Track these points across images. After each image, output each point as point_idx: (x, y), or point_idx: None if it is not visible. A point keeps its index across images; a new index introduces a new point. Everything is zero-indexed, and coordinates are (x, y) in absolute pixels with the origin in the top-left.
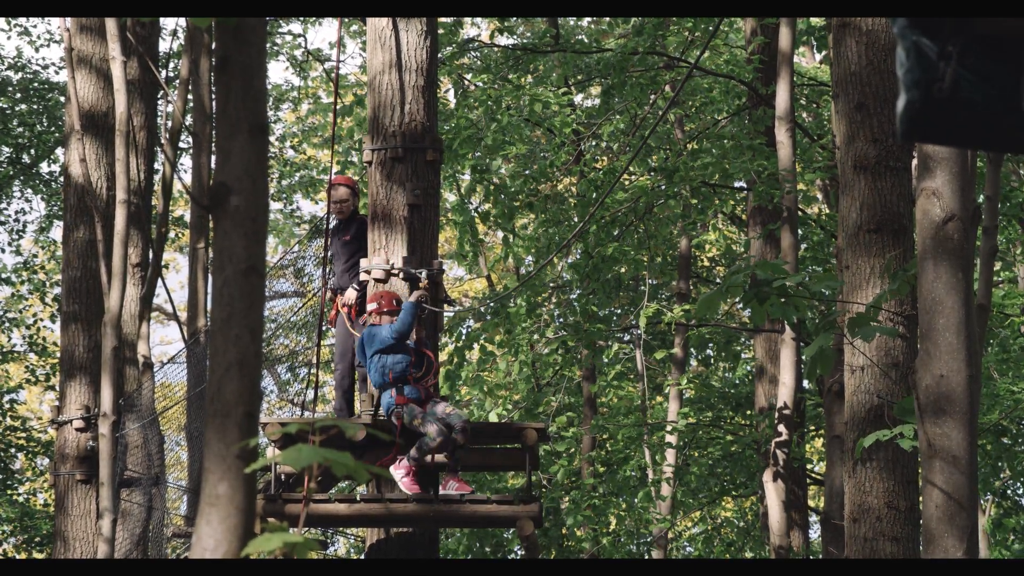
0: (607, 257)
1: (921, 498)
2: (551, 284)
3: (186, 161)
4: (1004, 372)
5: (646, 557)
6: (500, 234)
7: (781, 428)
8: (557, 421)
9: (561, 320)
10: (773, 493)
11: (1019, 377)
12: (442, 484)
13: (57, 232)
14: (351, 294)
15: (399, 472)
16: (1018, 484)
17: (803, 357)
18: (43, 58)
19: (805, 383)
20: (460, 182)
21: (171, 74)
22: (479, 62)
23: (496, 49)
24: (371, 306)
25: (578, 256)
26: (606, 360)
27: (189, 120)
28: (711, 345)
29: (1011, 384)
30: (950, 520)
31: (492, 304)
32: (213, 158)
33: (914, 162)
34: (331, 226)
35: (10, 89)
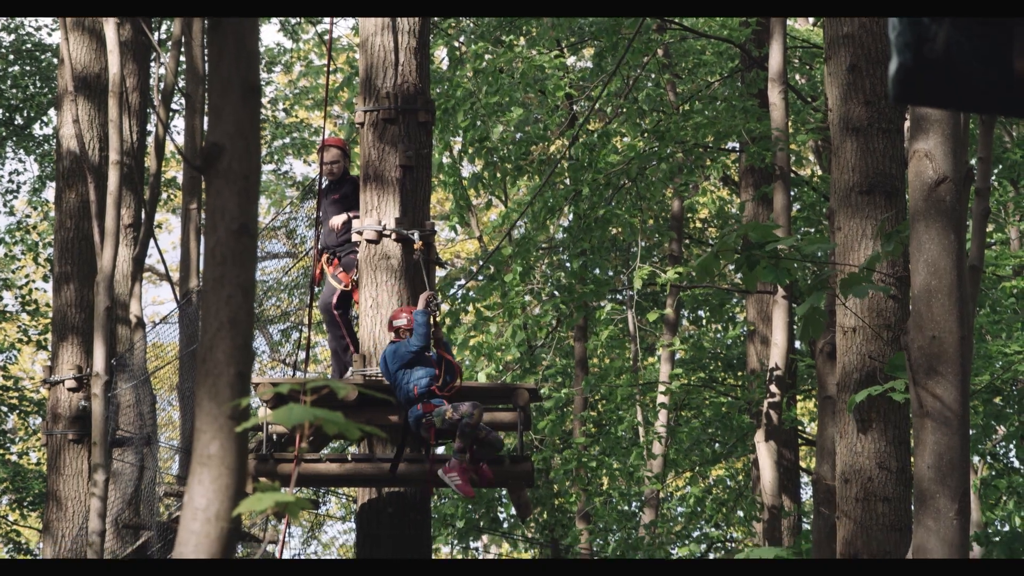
0: (599, 219)
1: (913, 459)
2: (543, 246)
3: (179, 122)
4: (996, 333)
5: (638, 517)
6: (491, 196)
7: (773, 388)
8: (547, 373)
9: (553, 283)
10: (765, 453)
11: (1011, 338)
12: (444, 469)
13: (50, 193)
14: (340, 218)
15: (452, 476)
16: (1010, 445)
17: (795, 318)
18: (36, 20)
19: (797, 344)
20: (452, 144)
21: (164, 36)
22: (472, 24)
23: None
24: (400, 321)
25: (570, 219)
26: (600, 319)
27: (182, 81)
28: (704, 308)
29: (1003, 345)
30: (942, 481)
31: (483, 264)
32: (206, 119)
33: (906, 124)
34: (322, 187)
35: (3, 51)
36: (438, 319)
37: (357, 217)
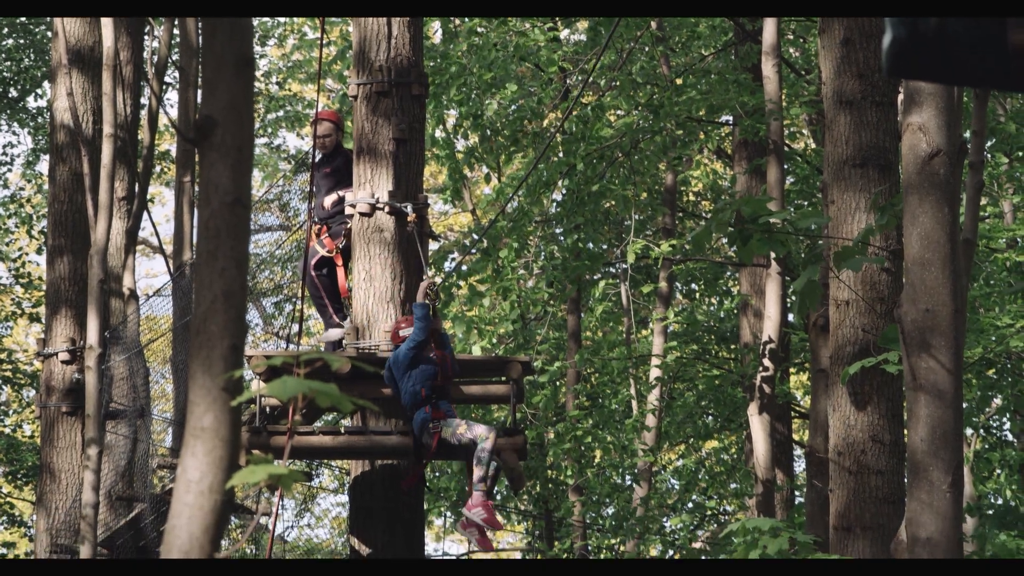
0: (593, 193)
1: (906, 431)
2: (537, 219)
3: (172, 95)
4: (990, 307)
5: (630, 489)
6: (486, 170)
7: (766, 362)
8: (541, 348)
9: (546, 256)
10: (759, 426)
11: (1004, 311)
12: (467, 506)
13: (44, 166)
14: (330, 198)
15: (477, 511)
16: (1004, 418)
17: (789, 291)
18: None
19: (790, 317)
20: (445, 117)
21: None
22: None
23: None
24: (406, 331)
25: (564, 193)
26: (595, 296)
27: (175, 54)
28: (699, 281)
29: (994, 318)
30: (935, 453)
31: (479, 240)
32: (199, 92)
33: (900, 97)
34: (316, 160)
35: None
36: (438, 307)
37: (346, 195)
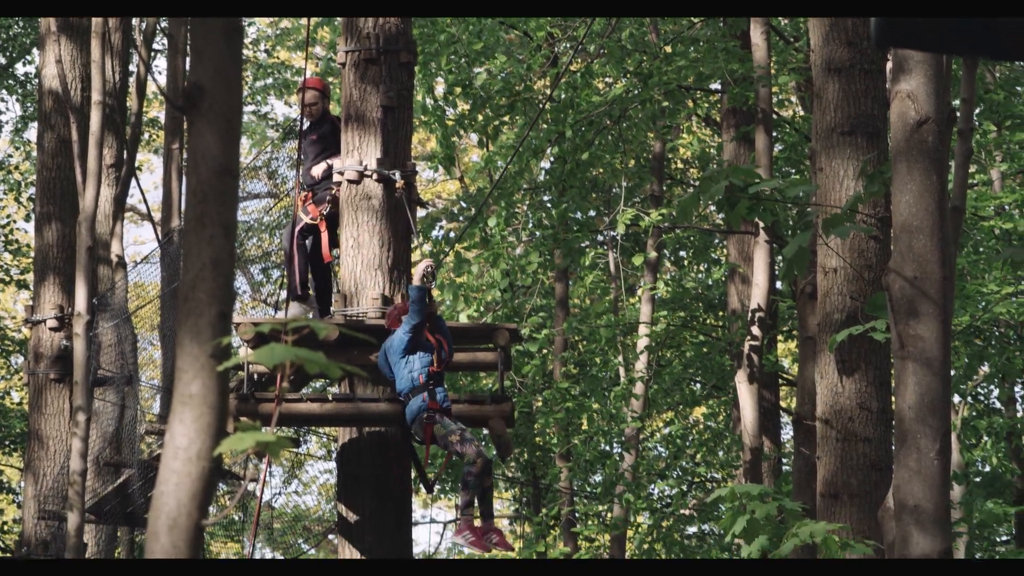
0: (582, 161)
1: (893, 399)
2: (525, 187)
3: (161, 63)
4: (978, 274)
5: (618, 457)
6: (474, 137)
7: (754, 330)
8: (530, 321)
9: (534, 224)
10: (746, 394)
11: (993, 279)
12: (479, 531)
13: (32, 133)
14: (319, 168)
15: (465, 535)
16: (991, 386)
17: (777, 259)
18: None
19: (778, 285)
20: (434, 85)
21: None
22: None
23: None
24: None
25: (552, 161)
26: (584, 265)
27: (164, 22)
28: (688, 249)
29: (980, 285)
30: (923, 421)
31: (465, 206)
32: (188, 60)
33: (888, 65)
34: (303, 128)
35: None
36: (433, 290)
37: (334, 163)
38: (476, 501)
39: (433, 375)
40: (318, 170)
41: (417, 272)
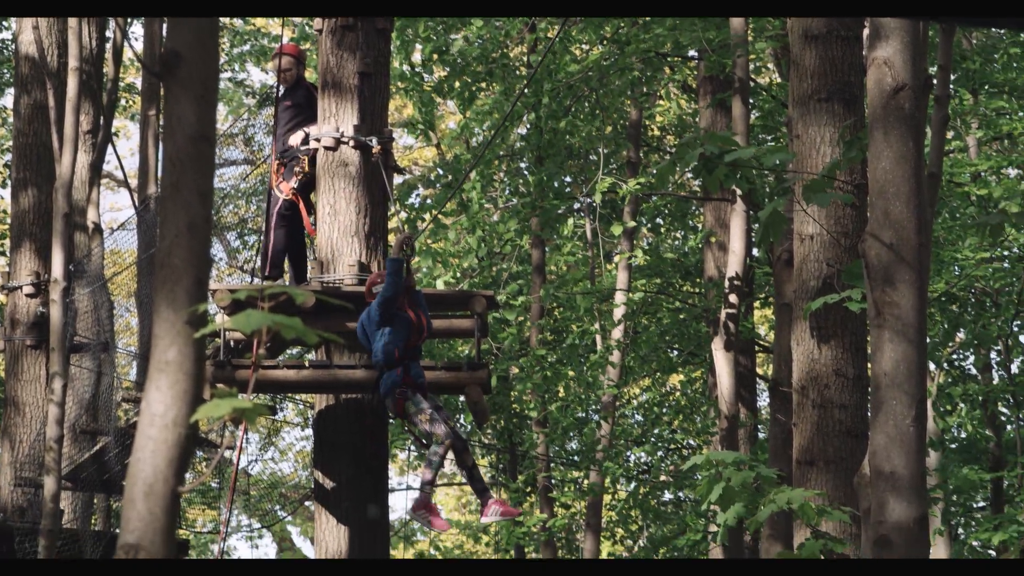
0: (559, 130)
1: (869, 365)
2: (502, 153)
3: (138, 29)
4: (953, 241)
5: (595, 424)
6: (451, 104)
7: (731, 298)
8: (508, 288)
9: (511, 191)
10: (723, 361)
11: (968, 246)
12: (484, 511)
13: (8, 99)
14: (297, 137)
15: (421, 513)
16: (967, 353)
17: (754, 226)
18: None
19: (755, 252)
20: (411, 51)
21: None
22: None
23: None
24: (378, 288)
25: (528, 128)
26: (564, 234)
27: None
28: (665, 218)
29: (955, 251)
30: (899, 387)
31: (443, 173)
32: (164, 26)
33: (865, 31)
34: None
35: None
36: (412, 263)
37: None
38: (435, 478)
39: (410, 350)
40: (296, 139)
41: (396, 243)
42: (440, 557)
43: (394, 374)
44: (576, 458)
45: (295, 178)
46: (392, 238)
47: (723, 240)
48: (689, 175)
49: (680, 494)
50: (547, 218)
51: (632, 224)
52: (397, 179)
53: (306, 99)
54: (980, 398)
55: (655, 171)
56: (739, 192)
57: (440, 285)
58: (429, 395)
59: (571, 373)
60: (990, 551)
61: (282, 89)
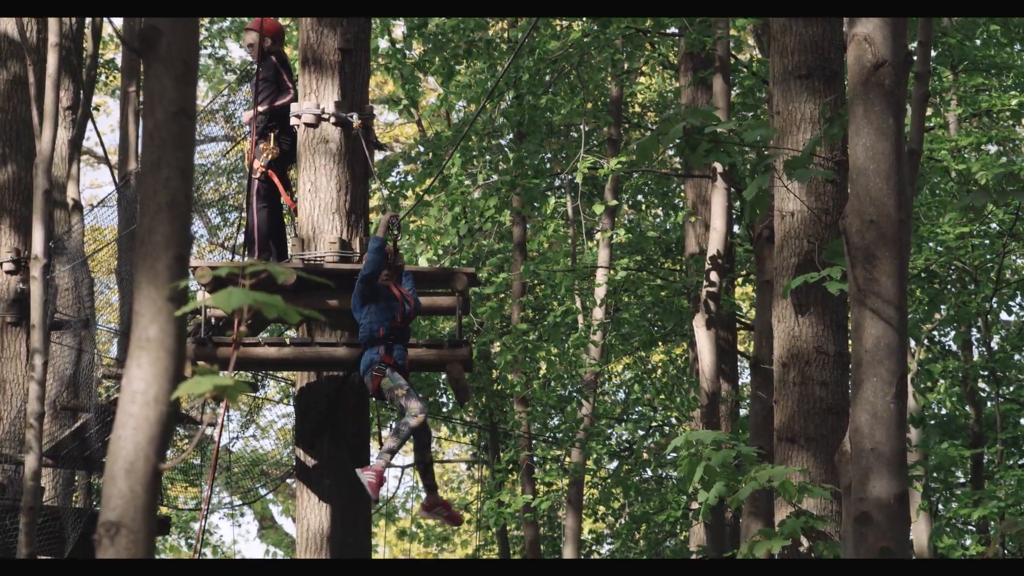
0: (539, 107)
1: (850, 342)
2: (483, 131)
3: None
4: (933, 217)
5: (577, 403)
6: (432, 80)
7: (713, 277)
8: (488, 263)
9: (492, 167)
10: (704, 338)
11: (948, 222)
12: (427, 507)
13: None
14: (247, 115)
15: (367, 474)
16: (947, 330)
17: (735, 203)
18: None
19: (736, 228)
20: (392, 27)
21: None
22: None
23: None
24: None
25: (509, 103)
26: (546, 213)
27: None
28: (646, 195)
29: (935, 227)
30: (879, 364)
31: (424, 150)
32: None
33: None
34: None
35: None
36: (398, 243)
37: (261, 113)
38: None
39: (395, 330)
40: (247, 116)
41: (381, 223)
42: (422, 535)
43: (374, 352)
44: (559, 435)
45: (263, 155)
46: (374, 217)
47: (704, 217)
48: (671, 152)
49: (661, 471)
50: (529, 196)
51: (614, 203)
52: (378, 156)
53: (272, 74)
54: (960, 375)
55: (637, 147)
56: (719, 169)
57: (423, 262)
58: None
59: (554, 351)
60: (970, 527)
61: (253, 66)
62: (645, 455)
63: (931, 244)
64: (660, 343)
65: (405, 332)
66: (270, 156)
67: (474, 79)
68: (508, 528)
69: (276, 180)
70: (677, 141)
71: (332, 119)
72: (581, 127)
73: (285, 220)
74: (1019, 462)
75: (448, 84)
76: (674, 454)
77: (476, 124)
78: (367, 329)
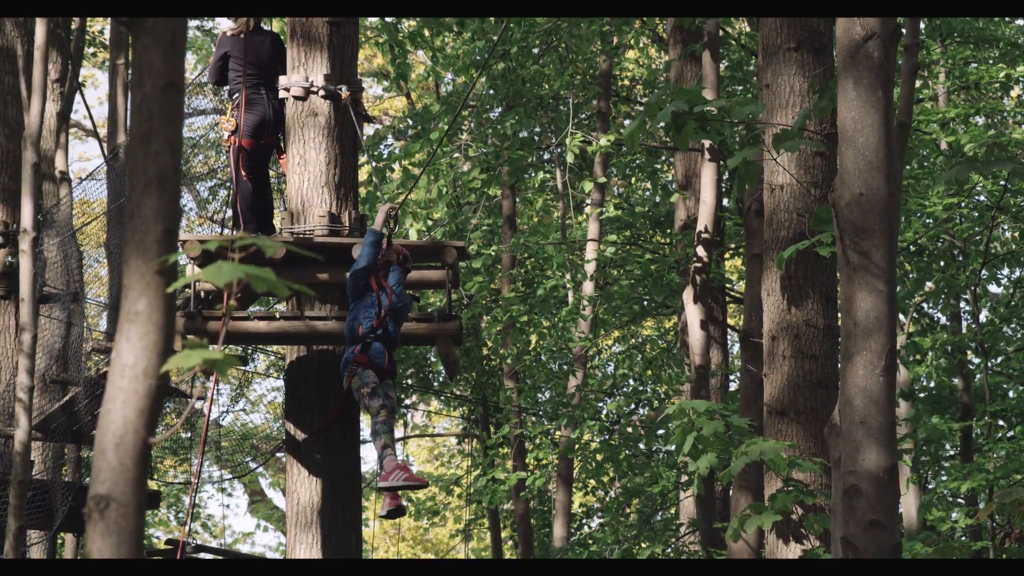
0: (527, 79)
1: (840, 316)
2: (471, 104)
3: None
4: (922, 190)
5: (566, 376)
6: (421, 54)
7: (700, 252)
8: (473, 236)
9: (479, 140)
10: (693, 312)
11: (936, 194)
12: (384, 475)
13: None
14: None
15: (396, 474)
16: (937, 302)
17: (724, 176)
18: None
19: (725, 202)
20: None
21: None
22: None
23: None
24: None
25: (496, 79)
26: (534, 187)
27: None
28: (635, 170)
29: (923, 200)
30: (869, 337)
31: (413, 124)
32: None
33: None
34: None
35: None
36: (394, 233)
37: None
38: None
39: (375, 328)
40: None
41: (379, 215)
42: (413, 509)
43: (350, 352)
44: (548, 408)
45: (230, 123)
46: (363, 191)
47: (694, 190)
48: (660, 126)
49: (651, 444)
50: (515, 168)
51: (603, 180)
52: (368, 129)
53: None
54: (949, 347)
55: (624, 130)
56: (707, 144)
57: (412, 235)
58: (386, 381)
59: (545, 323)
60: (959, 500)
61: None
62: (630, 429)
63: (920, 216)
64: (650, 317)
65: (388, 328)
66: (234, 126)
67: (462, 50)
68: (501, 504)
69: (247, 148)
70: (667, 121)
71: (321, 92)
72: (569, 101)
73: (273, 190)
74: (1008, 434)
75: (438, 54)
76: (662, 431)
77: (462, 95)
78: (348, 327)
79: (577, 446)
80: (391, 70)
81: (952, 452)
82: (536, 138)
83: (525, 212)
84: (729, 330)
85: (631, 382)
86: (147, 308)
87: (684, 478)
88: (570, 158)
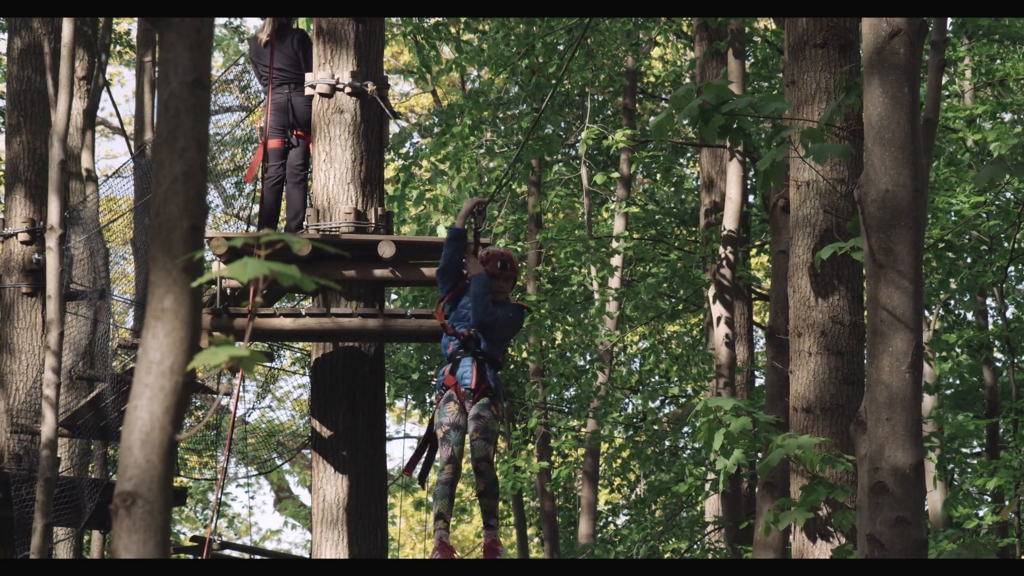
0: (551, 75)
1: (866, 313)
2: (496, 99)
3: None
4: (949, 187)
5: (594, 373)
6: (447, 50)
7: (726, 250)
8: (498, 232)
9: (504, 136)
10: (719, 309)
11: (963, 191)
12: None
13: (1, 44)
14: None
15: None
16: (964, 299)
17: (751, 173)
18: None
19: (751, 199)
20: None
21: None
22: None
23: None
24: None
25: (520, 75)
26: (548, 180)
27: None
28: (660, 164)
29: (950, 197)
30: (895, 334)
31: (438, 121)
32: None
33: None
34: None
35: None
36: (480, 231)
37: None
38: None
39: (465, 342)
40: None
41: (463, 210)
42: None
43: (442, 372)
44: (574, 405)
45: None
46: (389, 188)
47: (720, 186)
48: (686, 122)
49: (678, 442)
50: (538, 157)
51: (616, 175)
52: (394, 127)
53: (301, 50)
54: (975, 344)
55: (651, 126)
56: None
57: (441, 232)
58: (480, 401)
59: (570, 320)
60: (986, 497)
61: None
62: (656, 427)
63: (947, 214)
64: (677, 314)
65: (480, 347)
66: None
67: (487, 43)
68: (524, 499)
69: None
70: (692, 117)
71: (347, 89)
72: (590, 97)
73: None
74: None
75: (463, 48)
76: (688, 428)
77: (488, 93)
78: (443, 343)
79: (607, 446)
80: (415, 65)
81: (979, 449)
82: (562, 134)
83: (543, 204)
84: (755, 327)
85: (656, 378)
86: (174, 305)
87: (711, 476)
88: (582, 149)
